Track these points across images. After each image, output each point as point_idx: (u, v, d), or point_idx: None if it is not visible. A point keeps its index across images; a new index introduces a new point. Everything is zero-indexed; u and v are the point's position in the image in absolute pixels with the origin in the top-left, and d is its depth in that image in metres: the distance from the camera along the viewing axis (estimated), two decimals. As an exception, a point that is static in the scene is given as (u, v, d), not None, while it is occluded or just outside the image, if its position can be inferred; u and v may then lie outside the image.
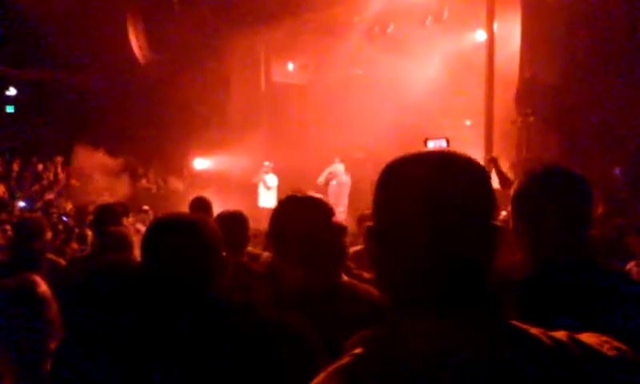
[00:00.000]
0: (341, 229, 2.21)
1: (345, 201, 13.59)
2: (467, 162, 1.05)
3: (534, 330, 0.99)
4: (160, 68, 15.68)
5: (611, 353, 1.00)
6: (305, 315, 1.82)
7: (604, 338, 1.03)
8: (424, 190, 1.00)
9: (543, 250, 1.87)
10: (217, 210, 7.93)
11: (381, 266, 1.05)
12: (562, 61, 9.87)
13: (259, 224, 6.84)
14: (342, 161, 13.78)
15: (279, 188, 13.56)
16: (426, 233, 0.98)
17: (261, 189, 13.91)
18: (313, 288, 2.09)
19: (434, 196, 0.99)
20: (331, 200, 13.10)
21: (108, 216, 5.24)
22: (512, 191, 1.95)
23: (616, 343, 1.02)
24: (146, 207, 12.69)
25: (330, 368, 0.99)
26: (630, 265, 3.64)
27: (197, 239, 1.74)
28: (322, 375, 0.98)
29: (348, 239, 2.31)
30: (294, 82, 17.08)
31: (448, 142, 4.07)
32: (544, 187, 1.88)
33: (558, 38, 10.12)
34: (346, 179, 13.78)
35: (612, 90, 9.41)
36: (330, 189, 13.52)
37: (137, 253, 3.93)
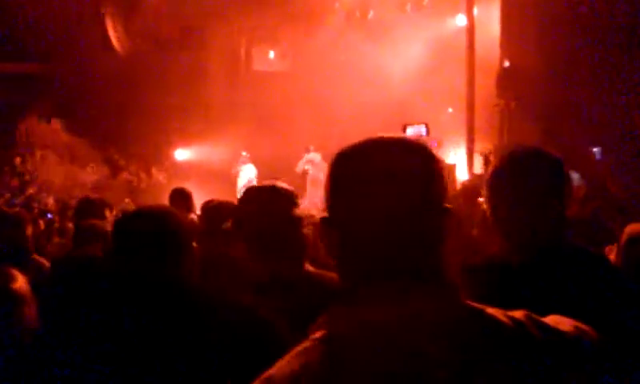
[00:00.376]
0: (300, 219, 2.20)
1: (321, 191, 13.53)
2: (419, 147, 1.07)
3: (490, 310, 1.02)
4: (139, 58, 15.54)
5: (570, 331, 1.02)
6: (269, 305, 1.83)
7: (566, 319, 1.05)
8: (376, 176, 1.02)
9: (518, 233, 1.87)
10: (199, 201, 7.90)
11: (338, 254, 1.06)
12: (541, 45, 9.91)
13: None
14: (319, 149, 13.59)
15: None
16: (380, 219, 1.01)
17: (240, 181, 13.77)
18: (274, 279, 2.08)
19: (386, 182, 1.01)
20: (309, 189, 13.10)
21: (90, 210, 5.20)
22: (487, 174, 1.96)
23: (577, 323, 1.04)
24: (127, 200, 12.62)
25: (292, 352, 0.99)
26: (609, 248, 3.66)
27: (163, 231, 1.73)
28: (284, 359, 0.99)
29: (310, 230, 2.30)
30: (274, 70, 17.01)
31: (427, 127, 4.05)
32: (518, 169, 1.88)
33: (537, 22, 10.17)
34: (322, 168, 13.65)
35: (593, 73, 9.48)
36: (308, 178, 13.45)
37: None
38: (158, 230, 1.73)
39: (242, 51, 16.84)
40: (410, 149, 1.06)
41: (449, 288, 1.02)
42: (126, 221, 1.79)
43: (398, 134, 1.12)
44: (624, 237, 2.81)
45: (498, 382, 0.95)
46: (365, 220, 1.02)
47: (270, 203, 2.14)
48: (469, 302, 1.03)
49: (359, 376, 0.93)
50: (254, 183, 13.35)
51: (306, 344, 0.99)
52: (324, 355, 0.96)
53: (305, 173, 13.53)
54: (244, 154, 13.95)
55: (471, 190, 8.28)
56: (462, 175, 12.51)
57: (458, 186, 11.16)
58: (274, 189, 2.19)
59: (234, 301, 1.82)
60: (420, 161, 1.05)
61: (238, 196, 10.65)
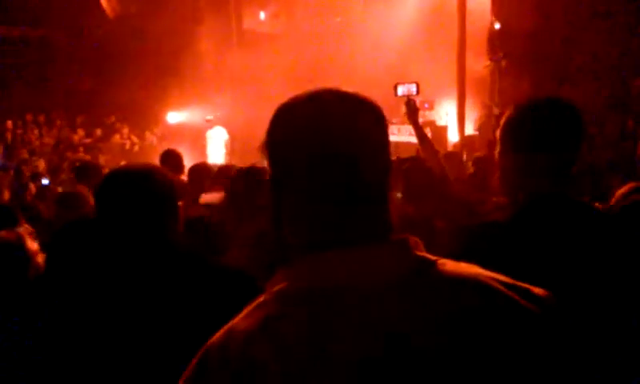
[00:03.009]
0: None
1: None
2: (358, 100, 1.05)
3: (449, 265, 1.01)
4: (129, 21, 15.37)
5: (502, 280, 1.01)
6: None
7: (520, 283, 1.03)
8: (316, 131, 1.00)
9: (531, 182, 1.82)
10: (192, 163, 7.93)
11: (283, 213, 1.05)
12: (533, 4, 9.84)
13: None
14: None
15: (249, 141, 13.30)
16: (319, 174, 0.99)
17: (209, 145, 13.26)
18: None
19: (326, 136, 0.99)
20: None
21: (87, 174, 5.23)
22: (501, 122, 1.91)
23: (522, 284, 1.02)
24: (123, 163, 12.57)
25: (252, 305, 1.00)
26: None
27: (146, 189, 1.74)
28: (244, 312, 1.00)
29: None
30: (265, 31, 16.84)
31: (418, 86, 4.05)
32: (535, 117, 1.83)
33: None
34: None
35: (585, 32, 9.43)
36: None
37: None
38: (142, 189, 1.73)
39: (233, 12, 16.62)
40: (350, 102, 1.04)
41: (396, 243, 1.01)
42: (109, 180, 1.80)
43: (343, 89, 1.08)
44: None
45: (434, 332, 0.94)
46: (307, 171, 1.00)
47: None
48: (421, 254, 1.01)
49: (307, 333, 0.94)
50: (225, 147, 13.03)
51: (265, 297, 1.00)
52: (279, 310, 0.97)
53: None
54: (208, 117, 13.45)
55: (460, 151, 8.32)
56: (452, 137, 12.53)
57: (450, 147, 11.20)
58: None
59: (219, 261, 1.86)
60: (360, 113, 1.03)
61: (208, 161, 10.29)
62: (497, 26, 10.36)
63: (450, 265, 1.02)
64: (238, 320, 0.99)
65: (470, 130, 12.52)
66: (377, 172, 1.03)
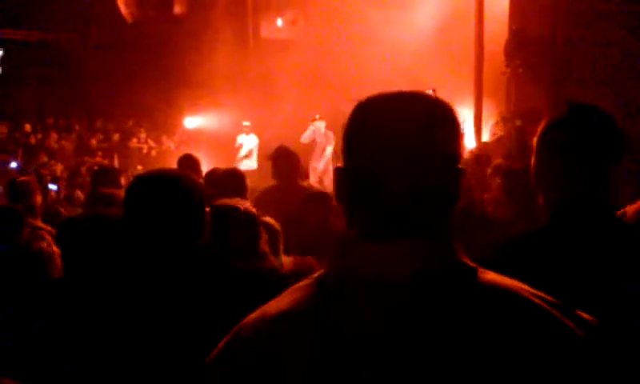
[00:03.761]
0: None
1: (320, 163, 12.92)
2: (432, 99, 1.08)
3: (490, 275, 1.02)
4: (147, 26, 15.50)
5: (534, 299, 1.00)
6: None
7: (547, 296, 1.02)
8: (393, 126, 1.03)
9: (558, 194, 1.79)
10: (209, 168, 7.97)
11: (348, 202, 1.08)
12: (550, 11, 9.81)
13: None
14: (324, 117, 13.17)
15: (268, 147, 13.35)
16: (392, 170, 1.01)
17: (241, 151, 13.51)
18: None
19: (402, 133, 1.02)
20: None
21: (106, 178, 5.27)
22: (540, 128, 1.85)
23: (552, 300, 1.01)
24: (139, 167, 12.69)
25: (292, 287, 1.05)
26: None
27: (176, 194, 1.78)
28: (282, 294, 1.04)
29: None
30: (283, 38, 16.90)
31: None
32: (577, 124, 1.78)
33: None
34: (323, 138, 13.28)
35: (602, 39, 9.38)
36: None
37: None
38: (173, 193, 1.77)
39: (250, 19, 16.71)
40: (427, 103, 1.07)
41: (446, 246, 1.02)
42: (140, 184, 1.84)
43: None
44: None
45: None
46: (377, 170, 1.02)
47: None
48: (468, 261, 1.02)
49: (340, 324, 0.97)
50: (255, 153, 13.15)
51: (305, 282, 1.04)
52: (315, 296, 1.00)
53: (313, 141, 13.15)
54: (245, 123, 13.67)
55: (482, 157, 8.30)
56: (469, 144, 12.50)
57: (466, 155, 11.17)
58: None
59: (246, 266, 1.89)
60: (435, 116, 1.05)
61: (237, 165, 10.29)
62: (514, 32, 10.34)
63: (491, 275, 1.02)
64: (272, 302, 1.04)
65: (486, 136, 12.49)
66: (442, 177, 1.04)
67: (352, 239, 1.04)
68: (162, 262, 1.79)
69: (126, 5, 15.46)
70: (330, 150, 12.93)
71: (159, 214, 1.78)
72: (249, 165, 12.76)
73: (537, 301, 0.98)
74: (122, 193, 4.75)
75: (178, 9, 15.25)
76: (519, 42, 10.09)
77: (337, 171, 1.10)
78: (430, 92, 3.67)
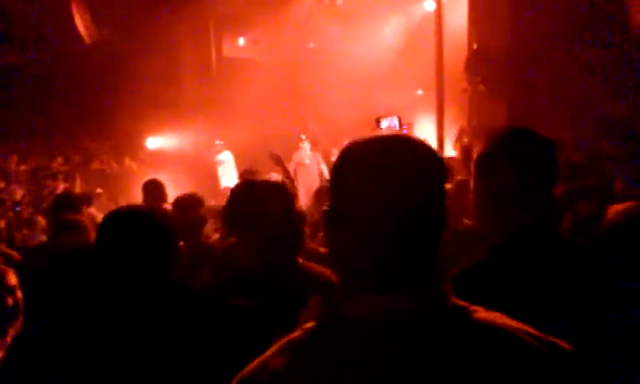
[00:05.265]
0: (301, 217, 2.26)
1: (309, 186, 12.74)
2: (419, 147, 1.11)
3: (482, 313, 1.05)
4: (107, 46, 15.34)
5: (534, 343, 1.03)
6: (258, 298, 1.88)
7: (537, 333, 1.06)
8: (376, 174, 1.05)
9: (504, 219, 1.83)
10: (173, 190, 7.91)
11: (335, 246, 1.11)
12: (509, 28, 10.02)
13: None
14: (291, 136, 12.91)
15: (237, 166, 13.31)
16: (377, 215, 1.04)
17: (220, 169, 13.43)
18: (267, 272, 2.14)
19: (385, 180, 1.05)
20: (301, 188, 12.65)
21: (68, 204, 5.19)
22: (475, 154, 1.91)
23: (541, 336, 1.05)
24: (99, 190, 12.48)
25: (283, 341, 1.06)
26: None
27: (150, 232, 1.78)
28: (274, 347, 1.06)
29: (307, 228, 2.33)
30: (245, 57, 16.92)
31: (400, 119, 4.13)
32: (509, 150, 1.83)
33: (506, 4, 10.25)
34: (313, 160, 13.05)
35: (561, 55, 9.60)
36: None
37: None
38: (146, 232, 1.77)
39: (212, 38, 16.69)
40: (412, 148, 1.09)
41: (436, 291, 1.05)
42: (113, 222, 1.83)
43: (403, 134, 1.17)
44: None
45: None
46: (364, 216, 1.05)
47: (270, 198, 2.18)
48: (457, 302, 1.05)
49: (336, 373, 0.99)
50: (234, 171, 13.10)
51: (296, 334, 1.06)
52: (311, 349, 1.03)
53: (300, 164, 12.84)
54: (217, 142, 13.66)
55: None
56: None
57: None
58: (270, 184, 2.22)
59: (218, 299, 1.88)
60: (420, 161, 1.08)
61: (222, 185, 10.35)
62: (473, 50, 10.53)
63: (482, 313, 1.05)
64: (270, 355, 1.05)
65: (449, 150, 12.66)
66: (428, 225, 1.07)
67: (343, 290, 1.06)
68: (135, 300, 1.78)
69: (85, 26, 15.27)
70: (326, 171, 12.85)
71: (133, 252, 1.77)
72: (231, 181, 12.62)
73: (528, 339, 1.02)
74: (84, 219, 4.70)
75: (138, 29, 15.12)
76: (479, 60, 10.28)
77: (325, 214, 1.12)
78: (395, 119, 3.74)
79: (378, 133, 1.17)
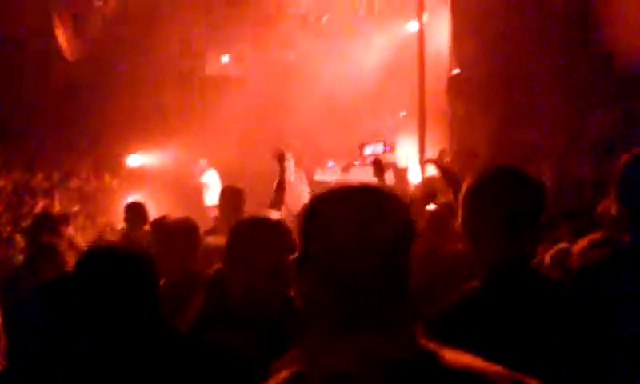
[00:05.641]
0: (294, 250, 2.25)
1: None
2: (389, 199, 1.15)
3: (449, 355, 1.08)
4: (90, 64, 15.27)
5: None
6: (251, 331, 1.90)
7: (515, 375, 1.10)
8: (345, 226, 1.09)
9: (491, 254, 1.88)
10: (154, 209, 7.87)
11: (305, 291, 1.14)
12: (489, 53, 10.14)
13: (206, 222, 6.99)
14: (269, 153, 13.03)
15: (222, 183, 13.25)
16: (347, 264, 1.08)
17: (206, 191, 13.30)
18: (258, 307, 2.14)
19: (355, 231, 1.09)
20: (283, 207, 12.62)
21: (46, 226, 5.16)
22: (463, 190, 1.95)
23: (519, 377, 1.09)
24: (75, 208, 12.29)
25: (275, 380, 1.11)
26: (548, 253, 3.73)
27: (132, 276, 1.76)
28: None
29: None
30: (229, 75, 16.93)
31: (384, 146, 4.15)
32: (496, 188, 1.88)
33: (486, 29, 10.37)
34: (297, 180, 13.08)
35: (539, 77, 9.72)
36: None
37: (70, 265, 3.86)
38: (125, 273, 1.75)
39: (195, 56, 16.70)
40: (385, 202, 1.14)
41: (407, 332, 1.09)
42: (91, 262, 1.80)
43: (373, 182, 1.21)
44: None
45: None
46: (334, 265, 1.09)
47: (271, 237, 2.21)
48: (427, 344, 1.09)
49: None
50: (219, 189, 13.00)
51: (284, 374, 1.11)
52: None
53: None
54: (202, 161, 13.66)
55: (429, 194, 8.44)
56: (414, 178, 12.72)
57: (411, 189, 11.35)
58: (271, 223, 2.26)
59: (201, 338, 1.87)
60: (392, 215, 1.12)
61: (206, 203, 10.27)
62: (455, 71, 10.64)
63: (452, 356, 1.09)
64: None
65: (431, 170, 12.72)
66: (400, 264, 1.12)
67: (317, 335, 1.10)
68: (112, 344, 1.75)
69: (68, 42, 15.20)
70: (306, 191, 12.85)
71: (111, 294, 1.75)
72: (214, 199, 12.53)
73: (495, 379, 1.05)
74: (61, 243, 4.65)
75: (119, 46, 15.08)
76: (459, 84, 10.39)
77: (295, 261, 1.15)
78: (380, 145, 3.76)
79: (362, 159, 1.22)
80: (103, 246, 2.06)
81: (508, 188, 1.88)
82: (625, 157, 2.15)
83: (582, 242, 3.18)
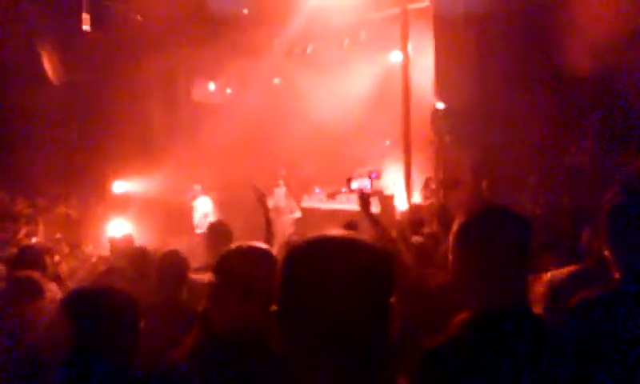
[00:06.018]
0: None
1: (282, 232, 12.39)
2: (368, 252, 1.14)
3: None
4: (75, 89, 15.25)
5: None
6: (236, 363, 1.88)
7: None
8: (323, 280, 1.10)
9: (483, 294, 1.87)
10: (139, 235, 7.81)
11: (284, 337, 1.14)
12: (473, 82, 10.27)
13: (196, 249, 6.97)
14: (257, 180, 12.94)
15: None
16: (326, 315, 1.08)
17: (196, 215, 13.32)
18: (248, 335, 2.14)
19: (332, 286, 1.09)
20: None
21: (28, 260, 5.04)
22: (452, 232, 1.95)
23: None
24: (58, 235, 12.15)
25: None
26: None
27: (115, 318, 1.76)
28: None
29: None
30: (215, 102, 16.98)
31: (371, 181, 4.18)
32: (485, 229, 1.89)
33: (470, 59, 10.53)
34: (287, 206, 13.18)
35: (520, 108, 9.85)
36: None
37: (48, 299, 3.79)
38: (112, 318, 1.76)
39: (182, 82, 16.75)
40: (364, 254, 1.14)
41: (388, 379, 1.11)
42: (75, 303, 1.81)
43: (351, 235, 1.20)
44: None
45: None
46: (312, 318, 1.09)
47: (257, 266, 2.19)
48: None
49: None
50: (210, 217, 12.98)
51: None
52: None
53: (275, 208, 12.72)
54: (196, 186, 13.56)
55: (415, 221, 8.48)
56: (400, 205, 12.77)
57: (397, 216, 11.39)
58: (257, 251, 2.26)
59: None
60: (371, 269, 1.13)
61: (197, 231, 10.27)
62: (439, 104, 10.74)
63: None
64: None
65: (417, 197, 12.79)
66: (375, 315, 1.12)
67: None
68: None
69: (54, 68, 15.18)
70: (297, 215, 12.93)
71: (92, 336, 1.75)
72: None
73: None
74: (43, 279, 4.56)
75: (106, 72, 15.09)
76: (444, 115, 10.50)
77: (274, 315, 1.14)
78: (367, 181, 3.75)
79: (349, 191, 1.24)
80: (85, 289, 2.04)
81: (494, 228, 1.89)
82: (609, 196, 2.18)
83: (561, 274, 3.22)
